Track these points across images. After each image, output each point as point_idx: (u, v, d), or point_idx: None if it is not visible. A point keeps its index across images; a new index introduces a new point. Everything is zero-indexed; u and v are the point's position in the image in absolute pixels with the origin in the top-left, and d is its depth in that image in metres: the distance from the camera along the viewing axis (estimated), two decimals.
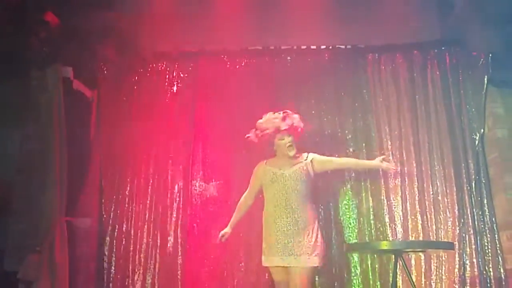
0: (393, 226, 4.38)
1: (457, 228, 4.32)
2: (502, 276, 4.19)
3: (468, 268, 4.24)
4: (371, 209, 4.43)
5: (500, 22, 4.14)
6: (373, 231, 4.38)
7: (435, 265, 4.27)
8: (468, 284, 4.21)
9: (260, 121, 3.98)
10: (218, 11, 4.72)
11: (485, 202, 4.36)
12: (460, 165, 4.44)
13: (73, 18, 4.37)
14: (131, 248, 4.46)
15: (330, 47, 4.75)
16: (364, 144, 4.55)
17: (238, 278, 4.35)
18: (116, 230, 4.51)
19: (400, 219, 4.39)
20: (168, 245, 4.45)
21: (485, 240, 4.29)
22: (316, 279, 4.23)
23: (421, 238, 4.31)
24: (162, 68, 4.81)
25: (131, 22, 4.53)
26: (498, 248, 4.25)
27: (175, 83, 4.79)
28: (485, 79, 4.48)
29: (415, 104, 4.60)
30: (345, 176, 4.51)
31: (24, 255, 3.97)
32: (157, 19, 4.67)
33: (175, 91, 4.76)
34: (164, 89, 4.77)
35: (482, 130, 4.47)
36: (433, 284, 4.23)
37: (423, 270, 4.27)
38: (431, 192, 4.42)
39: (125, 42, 4.63)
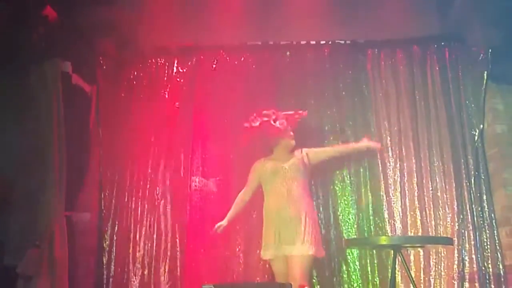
0: (392, 222, 4.38)
1: (456, 224, 4.31)
2: (501, 272, 4.19)
3: (467, 264, 4.24)
4: (370, 205, 4.43)
5: (500, 18, 4.12)
6: (372, 226, 4.38)
7: (434, 261, 4.27)
8: (467, 280, 4.21)
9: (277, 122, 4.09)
10: (217, 6, 4.70)
11: (485, 198, 4.36)
12: (459, 161, 4.44)
13: (72, 12, 4.36)
14: (131, 243, 4.46)
15: (330, 43, 4.74)
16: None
17: (238, 272, 4.36)
18: (116, 225, 4.51)
19: (399, 215, 4.39)
20: (167, 239, 4.45)
21: (484, 236, 4.28)
22: (315, 274, 4.24)
23: (420, 234, 4.31)
24: (161, 63, 4.81)
25: (130, 17, 4.52)
26: (497, 244, 4.24)
27: (174, 77, 4.78)
28: (485, 74, 4.47)
29: (414, 100, 4.59)
30: (344, 174, 4.51)
31: (23, 250, 3.97)
32: (157, 14, 4.65)
33: (174, 86, 4.75)
34: (163, 84, 4.76)
35: (481, 126, 4.46)
36: (432, 280, 4.23)
37: (422, 266, 4.27)
38: (430, 188, 4.42)
39: (124, 37, 4.63)
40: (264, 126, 4.08)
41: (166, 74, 4.79)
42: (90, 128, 4.71)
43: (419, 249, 4.19)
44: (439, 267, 4.26)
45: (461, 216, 4.33)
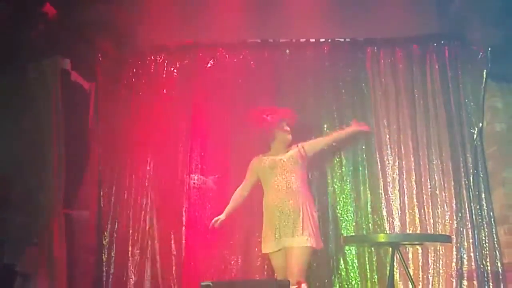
0: (391, 220, 4.38)
1: (455, 222, 4.32)
2: (500, 270, 4.19)
3: (465, 262, 4.25)
4: (369, 203, 4.43)
5: (500, 16, 4.13)
6: (370, 224, 4.39)
7: (433, 259, 4.27)
8: (465, 278, 4.22)
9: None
10: (216, 3, 4.70)
11: (483, 196, 4.36)
12: (458, 159, 4.44)
13: (71, 10, 4.36)
14: (130, 240, 4.46)
15: (329, 40, 4.73)
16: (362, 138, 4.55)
17: (237, 268, 4.37)
18: (116, 222, 4.51)
19: (398, 213, 4.40)
20: (167, 237, 4.45)
21: (483, 234, 4.29)
22: (314, 272, 4.25)
23: (418, 232, 4.31)
24: (160, 60, 4.79)
25: (129, 15, 4.52)
26: (495, 242, 4.25)
27: (173, 75, 4.77)
28: (484, 73, 4.47)
29: (413, 98, 4.59)
30: (343, 172, 4.52)
31: (22, 248, 3.98)
32: (156, 11, 4.65)
33: (173, 83, 4.74)
34: (162, 81, 4.75)
35: (480, 124, 4.47)
36: (430, 278, 4.24)
37: (420, 264, 4.28)
38: (429, 186, 4.42)
39: (123, 35, 4.63)
40: (257, 120, 4.14)
41: (165, 72, 4.78)
42: (89, 125, 4.71)
43: (417, 247, 4.20)
44: (438, 265, 4.27)
45: (460, 214, 4.34)
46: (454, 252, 4.25)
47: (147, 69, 4.79)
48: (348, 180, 4.51)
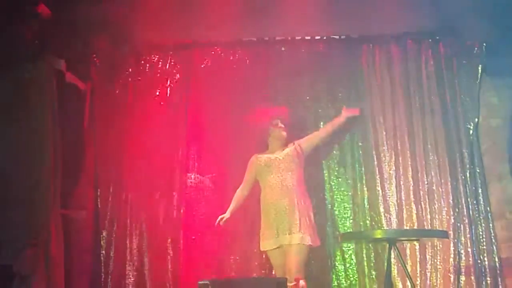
0: (388, 216, 4.38)
1: (452, 217, 4.33)
2: (497, 265, 4.21)
3: (463, 257, 4.25)
4: (366, 199, 4.44)
5: (494, 12, 4.14)
6: (368, 221, 4.39)
7: (430, 254, 4.28)
8: (462, 273, 4.23)
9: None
10: (211, 2, 4.68)
11: (480, 191, 4.37)
12: (454, 154, 4.45)
13: (65, 9, 4.34)
14: (127, 240, 4.46)
15: (325, 38, 4.73)
16: (358, 134, 4.55)
17: (235, 266, 4.37)
18: (113, 222, 4.50)
19: (395, 209, 4.40)
20: (163, 236, 4.45)
21: (480, 230, 4.30)
22: (311, 269, 4.25)
23: (416, 228, 4.32)
24: (156, 59, 4.79)
25: (124, 14, 4.51)
26: (492, 237, 4.27)
27: (169, 74, 4.76)
28: (479, 68, 4.49)
29: (409, 94, 4.59)
30: (340, 168, 4.52)
31: (19, 248, 3.97)
32: (151, 10, 4.63)
33: (169, 82, 4.74)
34: (158, 80, 4.75)
35: (476, 120, 4.48)
36: (428, 273, 4.24)
37: (418, 259, 4.28)
38: (426, 182, 4.42)
39: (118, 34, 4.62)
40: (252, 118, 4.21)
41: (160, 71, 4.78)
42: (84, 125, 4.69)
43: (415, 242, 4.21)
44: (435, 260, 4.27)
45: (457, 210, 4.35)
46: (452, 248, 4.26)
47: (142, 69, 4.78)
48: (345, 177, 4.52)
